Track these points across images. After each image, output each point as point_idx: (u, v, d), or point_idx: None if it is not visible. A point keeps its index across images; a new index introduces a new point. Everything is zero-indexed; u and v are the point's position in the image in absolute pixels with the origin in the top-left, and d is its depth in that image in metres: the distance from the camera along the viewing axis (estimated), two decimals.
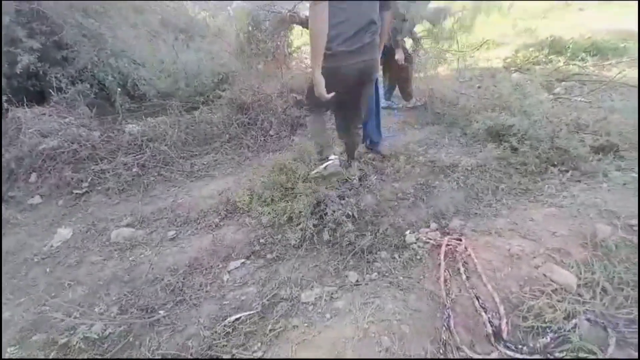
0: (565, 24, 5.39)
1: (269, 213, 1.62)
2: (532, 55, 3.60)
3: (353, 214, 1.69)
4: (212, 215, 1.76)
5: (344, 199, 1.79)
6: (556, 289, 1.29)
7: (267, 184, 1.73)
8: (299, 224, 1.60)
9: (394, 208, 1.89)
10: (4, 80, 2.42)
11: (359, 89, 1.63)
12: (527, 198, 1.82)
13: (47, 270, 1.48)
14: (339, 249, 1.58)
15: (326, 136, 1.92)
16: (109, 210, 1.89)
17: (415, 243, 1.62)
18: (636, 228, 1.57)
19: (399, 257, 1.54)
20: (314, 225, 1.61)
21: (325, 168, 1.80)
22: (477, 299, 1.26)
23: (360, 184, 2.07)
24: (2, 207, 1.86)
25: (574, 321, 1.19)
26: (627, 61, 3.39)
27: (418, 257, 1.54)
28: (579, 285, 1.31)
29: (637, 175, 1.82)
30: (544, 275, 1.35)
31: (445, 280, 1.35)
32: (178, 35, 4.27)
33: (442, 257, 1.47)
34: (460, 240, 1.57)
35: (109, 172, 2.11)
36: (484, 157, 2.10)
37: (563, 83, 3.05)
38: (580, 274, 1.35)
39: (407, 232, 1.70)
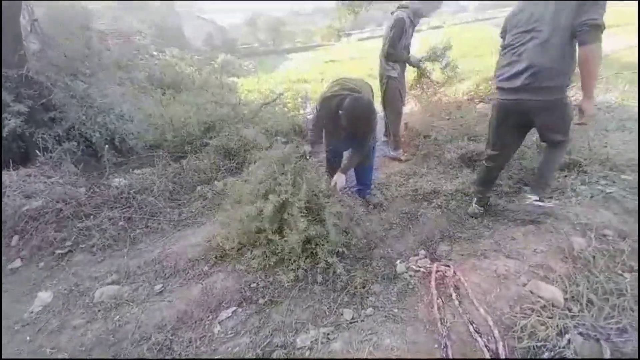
0: None
1: (259, 256, 1.62)
2: (491, 87, 3.99)
3: (344, 251, 1.71)
4: (201, 263, 1.74)
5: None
6: (545, 306, 1.31)
7: (257, 225, 1.75)
8: (291, 264, 1.61)
9: (382, 239, 1.93)
10: None
11: None
12: (506, 217, 1.91)
13: (28, 338, 1.38)
14: (332, 286, 1.57)
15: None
16: (93, 269, 1.84)
17: (406, 272, 1.64)
18: (610, 237, 1.67)
19: (392, 288, 1.55)
20: (306, 266, 1.61)
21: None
22: (472, 324, 1.27)
23: (350, 218, 2.12)
24: None
25: (567, 337, 1.21)
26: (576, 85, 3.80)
27: (410, 286, 1.55)
28: (566, 299, 1.35)
29: (602, 188, 1.97)
30: (531, 292, 1.38)
31: (439, 308, 1.36)
32: (165, 90, 4.50)
33: (433, 284, 1.49)
34: (449, 265, 1.61)
35: (94, 229, 2.08)
36: (462, 182, 2.22)
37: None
38: (566, 287, 1.40)
39: (398, 262, 1.72)
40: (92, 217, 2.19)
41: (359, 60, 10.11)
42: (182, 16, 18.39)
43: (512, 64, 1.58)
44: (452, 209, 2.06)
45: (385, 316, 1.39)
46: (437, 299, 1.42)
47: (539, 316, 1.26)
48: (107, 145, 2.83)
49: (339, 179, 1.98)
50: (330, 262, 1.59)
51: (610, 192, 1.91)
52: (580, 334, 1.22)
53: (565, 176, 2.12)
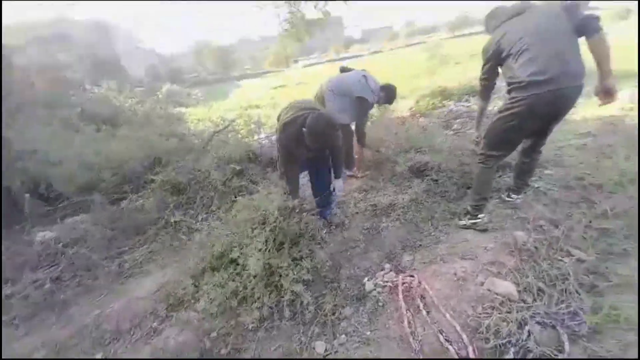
0: (447, 76, 6.84)
1: (217, 298, 1.47)
2: (430, 103, 4.40)
3: (309, 278, 1.64)
4: (150, 319, 1.52)
5: (297, 263, 1.75)
6: (502, 301, 1.38)
7: (213, 264, 1.61)
8: (254, 302, 1.48)
9: (348, 258, 1.90)
10: None
11: None
12: (459, 218, 2.02)
13: None
14: (301, 318, 1.49)
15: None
16: (16, 345, 1.50)
17: (375, 289, 1.63)
18: (545, 227, 1.85)
19: (363, 309, 1.51)
20: (271, 302, 1.51)
21: None
22: (441, 333, 1.27)
23: (312, 241, 2.07)
24: None
25: (526, 328, 1.27)
26: (497, 96, 4.39)
27: (380, 303, 1.53)
28: (519, 292, 1.44)
29: (531, 184, 2.21)
30: (489, 290, 1.45)
31: (409, 322, 1.35)
32: (100, 126, 4.12)
33: (401, 297, 1.49)
34: (413, 275, 1.63)
35: (14, 297, 1.73)
36: (414, 192, 2.33)
37: (458, 120, 3.73)
38: (517, 280, 1.49)
39: (365, 280, 1.70)
40: (10, 283, 1.82)
41: (306, 85, 10.49)
42: (119, 47, 17.51)
43: (540, 56, 1.52)
44: (409, 219, 2.13)
45: (359, 341, 1.34)
46: (406, 312, 1.41)
47: (499, 313, 1.32)
48: (28, 195, 2.45)
49: (337, 184, 2.15)
50: (297, 292, 1.51)
51: (539, 187, 2.15)
52: (538, 323, 1.29)
53: (500, 176, 2.35)
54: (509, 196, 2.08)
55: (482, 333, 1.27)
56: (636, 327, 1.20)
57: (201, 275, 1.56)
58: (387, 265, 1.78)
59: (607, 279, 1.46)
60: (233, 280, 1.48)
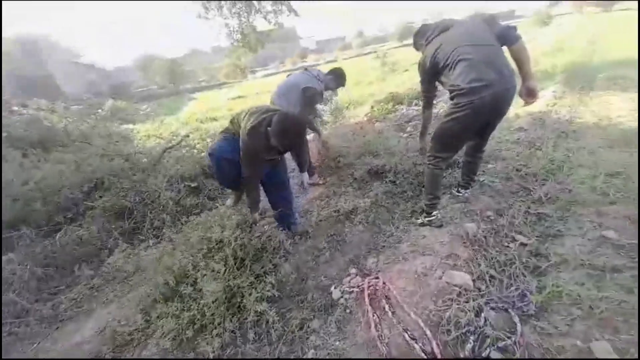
0: (397, 82, 7.26)
1: (171, 331, 1.34)
2: (384, 108, 4.61)
3: (274, 294, 1.57)
4: None
5: (261, 280, 1.67)
6: (460, 292, 1.45)
7: (165, 294, 1.46)
8: (214, 328, 1.37)
9: (313, 268, 1.87)
10: None
11: None
12: (416, 218, 2.11)
13: None
14: (267, 338, 1.41)
15: None
16: None
17: (342, 296, 1.61)
18: (491, 217, 2.00)
19: (331, 319, 1.48)
20: (233, 326, 1.41)
21: None
22: (406, 332, 1.29)
23: (275, 255, 2.00)
24: None
25: (483, 315, 1.34)
26: (442, 100, 4.75)
27: (348, 310, 1.52)
28: (474, 281, 1.52)
29: (476, 178, 2.38)
30: (447, 283, 1.51)
31: (376, 325, 1.35)
32: (27, 150, 3.64)
33: (367, 301, 1.49)
34: (378, 277, 1.64)
35: None
36: (374, 194, 2.39)
37: (410, 123, 3.94)
38: (471, 270, 1.58)
39: (332, 288, 1.68)
40: None
41: (264, 94, 10.41)
42: (52, 63, 15.85)
43: (476, 64, 1.62)
44: (372, 221, 2.17)
45: (328, 354, 1.30)
46: (373, 315, 1.41)
47: (458, 304, 1.38)
48: None
49: (304, 177, 2.32)
50: (262, 311, 1.44)
51: (483, 180, 2.33)
52: (492, 308, 1.37)
53: (450, 173, 2.50)
54: (458, 191, 2.22)
55: (444, 326, 1.31)
56: (578, 301, 1.33)
57: (152, 308, 1.41)
58: (353, 270, 1.78)
59: (548, 259, 1.61)
60: (189, 309, 1.36)
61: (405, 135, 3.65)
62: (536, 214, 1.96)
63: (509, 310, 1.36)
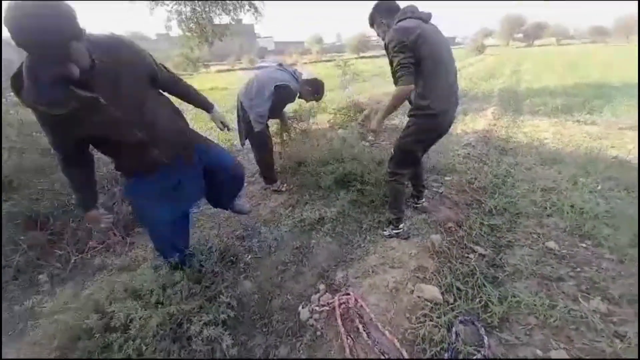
0: (358, 90, 7.46)
1: None
2: (346, 116, 4.64)
3: (230, 315, 1.37)
4: None
5: (216, 301, 1.46)
6: (432, 307, 1.44)
7: (86, 330, 1.16)
8: None
9: (279, 285, 1.71)
10: None
11: None
12: (383, 229, 2.09)
13: None
14: None
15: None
16: None
17: (311, 317, 1.48)
18: (452, 228, 2.08)
19: (300, 344, 1.34)
20: None
21: None
22: (383, 355, 1.22)
23: (233, 269, 1.79)
24: None
25: (454, 330, 1.34)
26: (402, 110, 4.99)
27: (318, 332, 1.40)
28: (442, 293, 1.53)
29: (436, 189, 2.48)
30: (418, 297, 1.50)
31: (351, 350, 1.25)
32: None
33: (339, 322, 1.39)
34: (349, 293, 1.56)
35: None
36: (341, 204, 2.32)
37: (372, 132, 4.02)
38: (439, 282, 1.60)
39: (300, 307, 1.54)
40: None
41: (222, 90, 9.80)
42: None
43: (447, 88, 1.66)
44: (340, 232, 2.09)
45: None
46: (347, 338, 1.32)
47: (430, 320, 1.36)
48: None
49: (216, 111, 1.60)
50: (214, 337, 1.23)
51: (442, 192, 2.44)
52: (461, 322, 1.38)
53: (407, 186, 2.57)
54: (415, 203, 2.27)
55: (419, 344, 1.28)
56: (534, 310, 1.41)
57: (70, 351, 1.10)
58: (322, 286, 1.67)
59: (503, 269, 1.71)
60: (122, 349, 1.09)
61: (367, 144, 3.70)
62: (488, 225, 2.10)
63: (475, 322, 1.39)
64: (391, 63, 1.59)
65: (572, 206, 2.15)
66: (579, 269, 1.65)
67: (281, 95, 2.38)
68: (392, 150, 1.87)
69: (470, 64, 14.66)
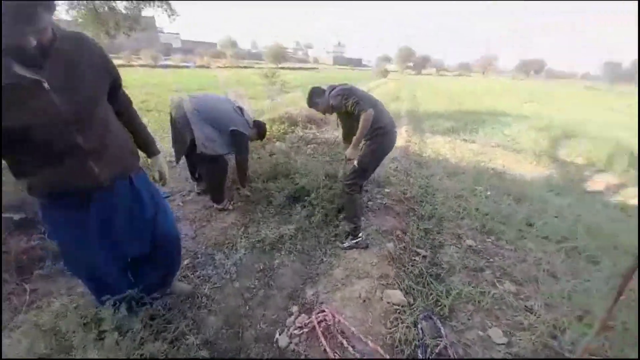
0: (286, 101, 7.56)
1: None
2: (281, 128, 4.66)
3: (203, 358, 1.22)
4: None
5: (181, 344, 1.27)
6: (399, 310, 1.61)
7: None
8: None
9: (247, 315, 1.59)
10: None
11: None
12: (341, 241, 2.20)
13: None
14: None
15: None
16: None
17: (291, 342, 1.44)
18: (399, 235, 2.36)
19: None
20: None
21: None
22: None
23: (191, 305, 1.58)
24: None
25: (419, 327, 1.54)
26: (331, 126, 5.31)
27: (302, 357, 1.37)
28: (405, 295, 1.73)
29: (380, 201, 2.77)
30: (388, 303, 1.65)
31: None
32: None
33: (323, 340, 1.40)
34: (324, 310, 1.59)
35: None
36: (297, 219, 2.33)
37: (309, 146, 4.17)
38: (400, 286, 1.80)
39: (277, 334, 1.48)
40: None
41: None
42: None
43: (384, 112, 2.09)
44: (301, 249, 2.10)
45: None
46: (334, 354, 1.35)
47: (402, 322, 1.53)
48: None
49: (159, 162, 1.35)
50: None
51: (385, 203, 2.74)
52: (423, 318, 1.60)
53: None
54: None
55: (397, 346, 1.42)
56: (470, 298, 1.74)
57: None
58: (295, 308, 1.64)
59: (441, 266, 2.06)
60: None
61: (306, 157, 3.81)
62: (423, 230, 2.48)
63: (432, 317, 1.63)
64: (346, 107, 1.97)
65: (477, 209, 2.75)
66: (491, 260, 2.13)
67: (236, 140, 2.36)
68: (355, 166, 2.05)
69: (377, 86, 16.79)
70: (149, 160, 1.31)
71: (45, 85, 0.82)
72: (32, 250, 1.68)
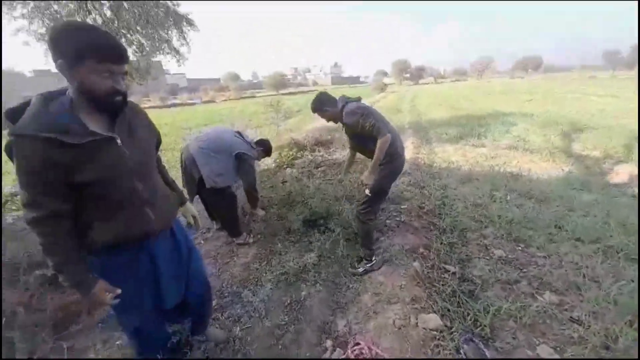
0: (290, 126, 7.74)
1: None
2: (289, 154, 4.74)
3: None
4: None
5: None
6: (437, 335, 1.54)
7: None
8: None
9: (282, 354, 1.55)
10: None
11: None
12: (355, 268, 2.14)
13: None
14: None
15: None
16: None
17: None
18: (423, 252, 2.30)
19: None
20: None
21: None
22: None
23: (225, 350, 1.55)
24: None
25: (462, 352, 1.46)
26: (338, 146, 5.38)
27: None
28: (441, 318, 1.66)
29: (398, 218, 2.73)
30: (424, 328, 1.59)
31: None
32: None
33: None
34: (359, 343, 1.53)
35: None
36: (318, 246, 2.31)
37: (319, 169, 4.21)
38: (434, 308, 1.73)
39: None
40: None
41: None
42: None
43: (396, 136, 2.04)
44: (325, 277, 2.06)
45: None
46: None
47: (443, 349, 1.45)
48: None
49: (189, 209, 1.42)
50: None
51: (403, 220, 2.70)
52: (465, 342, 1.52)
53: (378, 217, 2.77)
54: None
55: None
56: (510, 314, 1.66)
57: None
58: (328, 342, 1.59)
59: (473, 282, 1.98)
60: None
61: (318, 181, 3.84)
62: (448, 244, 2.42)
63: (474, 339, 1.55)
64: (362, 128, 1.92)
65: (499, 216, 2.67)
66: (525, 270, 2.04)
67: (242, 164, 2.38)
68: (367, 191, 2.01)
69: (377, 101, 17.07)
70: (181, 208, 1.36)
71: (118, 141, 0.93)
72: (68, 306, 1.70)
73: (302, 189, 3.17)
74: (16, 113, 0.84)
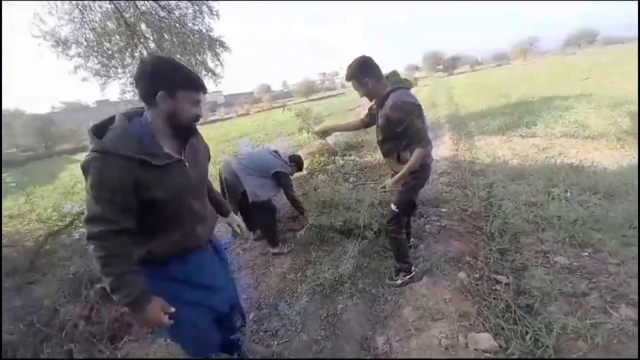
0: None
1: None
2: (321, 160, 4.75)
3: None
4: None
5: None
6: (491, 358, 1.38)
7: None
8: None
9: None
10: None
11: None
12: (394, 279, 2.02)
13: None
14: None
15: None
16: None
17: None
18: (470, 261, 2.11)
19: None
20: None
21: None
22: None
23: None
24: None
25: None
26: (369, 149, 5.26)
27: None
28: (494, 337, 1.49)
29: (438, 223, 2.55)
30: (475, 349, 1.43)
31: None
32: None
33: None
34: None
35: None
36: (352, 255, 2.24)
37: (352, 173, 4.13)
38: (486, 326, 1.56)
39: None
40: None
41: None
42: None
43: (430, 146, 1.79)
44: (362, 288, 1.99)
45: None
46: None
47: None
48: None
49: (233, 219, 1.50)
50: None
51: (444, 225, 2.52)
52: None
53: (414, 221, 2.62)
54: (409, 241, 2.29)
55: None
56: (579, 334, 1.43)
57: None
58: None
59: (531, 295, 1.75)
60: None
61: (351, 186, 3.76)
62: (497, 251, 2.18)
63: None
64: (404, 127, 1.63)
65: (559, 217, 2.35)
66: (594, 280, 1.76)
67: (281, 180, 2.58)
68: (393, 206, 1.86)
69: None
70: (225, 218, 1.47)
71: (186, 163, 1.03)
72: (122, 317, 1.85)
73: (335, 195, 3.12)
74: (100, 129, 0.93)
